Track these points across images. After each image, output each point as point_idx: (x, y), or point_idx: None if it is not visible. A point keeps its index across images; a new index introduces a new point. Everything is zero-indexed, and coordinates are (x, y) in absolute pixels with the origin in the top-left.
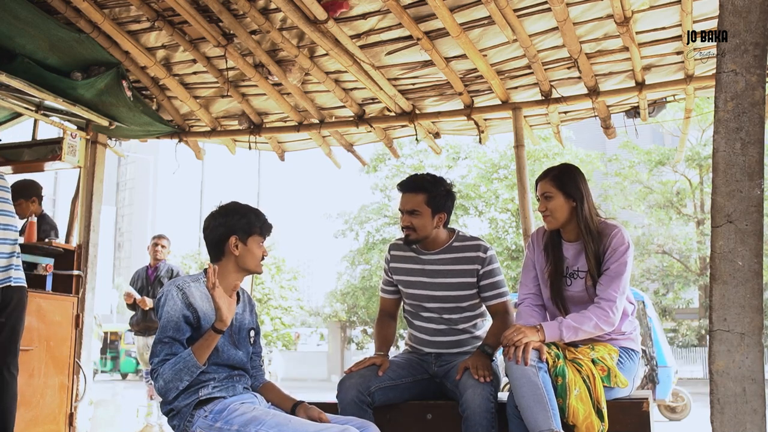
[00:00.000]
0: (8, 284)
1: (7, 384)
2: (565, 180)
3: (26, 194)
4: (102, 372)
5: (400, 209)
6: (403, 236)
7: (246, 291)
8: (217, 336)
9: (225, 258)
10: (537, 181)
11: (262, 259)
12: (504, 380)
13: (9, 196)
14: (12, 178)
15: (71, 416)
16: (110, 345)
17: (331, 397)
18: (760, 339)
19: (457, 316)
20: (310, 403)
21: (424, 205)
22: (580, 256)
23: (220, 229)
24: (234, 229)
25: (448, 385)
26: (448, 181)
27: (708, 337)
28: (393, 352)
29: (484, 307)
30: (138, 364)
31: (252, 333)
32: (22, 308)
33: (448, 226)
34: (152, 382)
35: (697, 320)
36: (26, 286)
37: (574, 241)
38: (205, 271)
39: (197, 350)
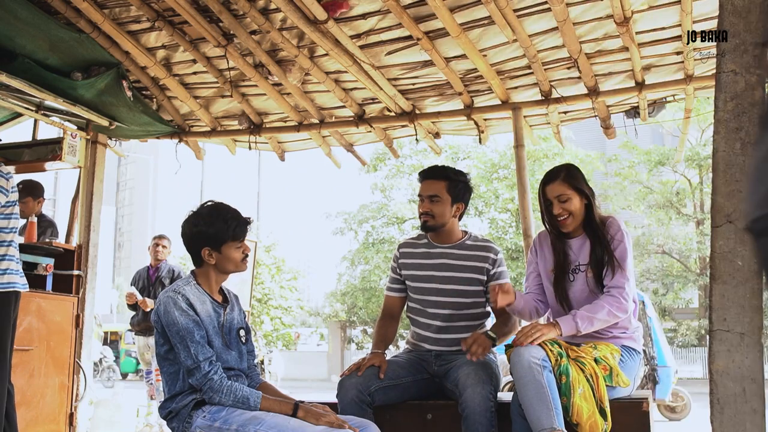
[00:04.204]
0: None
1: None
2: (576, 179)
3: (35, 193)
4: None
5: (420, 195)
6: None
7: (231, 291)
8: (291, 409)
9: (205, 264)
10: (544, 185)
11: (245, 257)
12: (505, 380)
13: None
14: (15, 178)
15: (71, 416)
16: (110, 345)
17: (331, 397)
18: (759, 339)
19: (461, 313)
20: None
21: (444, 192)
22: (582, 250)
23: (192, 240)
24: (204, 240)
25: (447, 384)
26: (468, 176)
27: (708, 337)
28: (393, 352)
29: (487, 309)
30: (138, 364)
31: (242, 332)
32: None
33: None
34: (152, 382)
35: (696, 320)
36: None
37: (577, 237)
38: (193, 273)
39: (267, 403)
